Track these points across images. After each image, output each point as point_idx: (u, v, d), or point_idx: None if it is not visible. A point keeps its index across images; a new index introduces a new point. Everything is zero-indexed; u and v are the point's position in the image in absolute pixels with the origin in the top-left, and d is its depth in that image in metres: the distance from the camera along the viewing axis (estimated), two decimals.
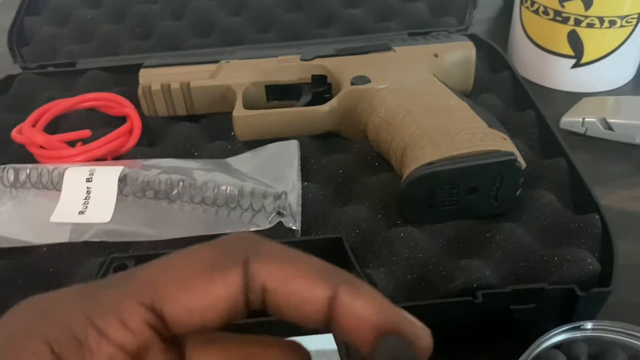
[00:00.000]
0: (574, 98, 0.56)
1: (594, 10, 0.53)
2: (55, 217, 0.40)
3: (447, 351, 0.36)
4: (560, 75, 0.58)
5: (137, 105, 0.50)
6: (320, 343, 0.35)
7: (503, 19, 0.62)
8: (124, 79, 0.55)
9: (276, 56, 0.50)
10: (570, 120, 0.52)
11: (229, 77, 0.49)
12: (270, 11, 0.62)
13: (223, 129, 0.49)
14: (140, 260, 0.37)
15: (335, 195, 0.43)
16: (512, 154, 0.37)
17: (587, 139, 0.52)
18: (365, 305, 0.17)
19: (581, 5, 0.53)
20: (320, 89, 0.49)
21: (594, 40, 0.55)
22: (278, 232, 0.39)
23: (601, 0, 0.52)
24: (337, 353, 0.39)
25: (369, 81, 0.46)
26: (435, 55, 0.49)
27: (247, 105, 0.47)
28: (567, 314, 0.34)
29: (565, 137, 0.52)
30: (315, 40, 0.58)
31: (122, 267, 0.36)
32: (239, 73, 0.49)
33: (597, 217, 0.38)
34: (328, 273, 0.18)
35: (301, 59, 0.49)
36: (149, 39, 0.62)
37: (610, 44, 0.55)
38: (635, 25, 0.54)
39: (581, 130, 0.52)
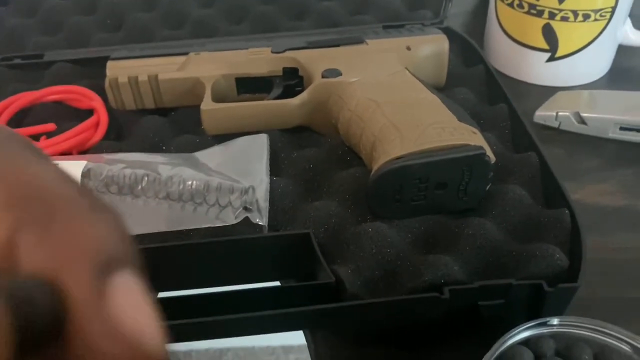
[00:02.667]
0: (548, 92, 0.56)
1: (567, 4, 0.53)
2: None
3: (415, 347, 0.36)
4: (535, 69, 0.57)
5: (105, 99, 0.49)
6: (289, 339, 0.35)
7: (480, 13, 0.62)
8: (93, 72, 0.53)
9: (247, 48, 0.49)
10: (544, 114, 0.52)
11: (198, 69, 0.48)
12: (244, 3, 0.61)
13: (192, 122, 0.48)
14: None
15: (305, 190, 0.42)
16: (481, 148, 0.37)
17: (561, 133, 0.52)
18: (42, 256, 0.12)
19: None
20: (292, 82, 0.48)
21: (568, 34, 0.55)
22: (245, 228, 0.38)
23: None
24: (307, 348, 0.39)
25: (340, 74, 0.45)
26: (408, 49, 0.48)
27: (218, 99, 0.46)
28: (535, 310, 0.34)
29: (539, 131, 0.52)
30: (288, 32, 0.57)
31: None
32: (208, 65, 0.48)
33: (566, 211, 0.38)
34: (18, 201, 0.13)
35: (272, 52, 0.48)
36: (119, 30, 0.60)
37: (585, 38, 0.55)
38: (609, 19, 0.54)
39: (555, 124, 0.52)
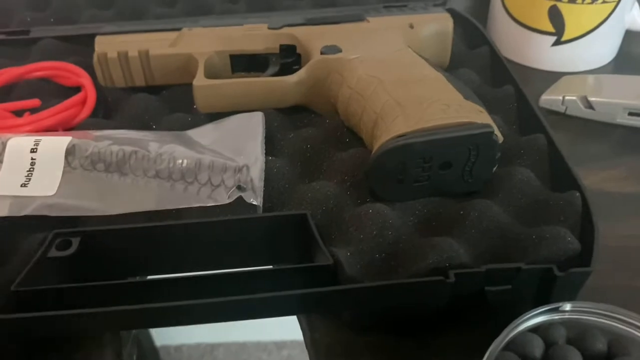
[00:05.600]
0: (553, 77, 0.54)
1: None
2: None
3: (416, 334, 0.34)
4: (541, 53, 0.56)
5: (94, 76, 0.47)
6: (282, 334, 0.33)
7: None
8: (81, 49, 0.51)
9: (242, 25, 0.47)
10: (550, 98, 0.50)
11: (191, 45, 0.45)
12: None
13: (184, 100, 0.46)
14: (87, 236, 0.34)
15: (302, 171, 0.40)
16: (488, 126, 0.35)
17: (567, 119, 0.50)
18: None
19: None
20: (289, 59, 0.46)
21: (575, 17, 0.53)
22: (238, 208, 0.36)
23: None
24: (300, 344, 0.37)
25: (340, 51, 0.43)
26: (411, 27, 0.46)
27: (211, 76, 0.44)
28: (544, 296, 0.32)
29: (545, 116, 0.50)
30: (286, 11, 0.55)
31: (66, 244, 0.33)
32: (202, 41, 0.46)
33: (577, 194, 0.36)
34: None
35: (268, 28, 0.46)
36: (109, 8, 0.58)
37: (592, 21, 0.53)
38: (618, 2, 0.52)
39: (561, 109, 0.50)
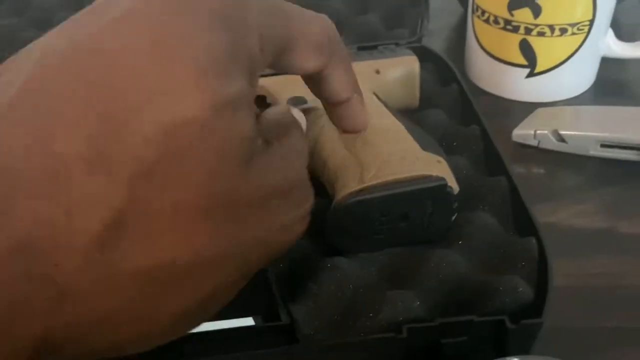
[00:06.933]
0: (531, 108, 0.54)
1: (543, 19, 0.51)
2: None
3: None
4: (516, 85, 0.56)
5: None
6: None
7: (462, 29, 0.61)
8: None
9: None
10: (522, 132, 0.51)
11: None
12: None
13: None
14: None
15: None
16: (442, 179, 0.36)
17: (541, 152, 0.50)
18: None
19: (530, 13, 0.51)
20: (261, 110, 0.47)
21: (546, 49, 0.53)
22: None
23: (550, 8, 0.51)
24: None
25: (306, 102, 0.44)
26: (377, 72, 0.47)
27: None
28: (501, 347, 0.33)
29: (518, 150, 0.51)
30: None
31: None
32: None
33: (533, 241, 0.36)
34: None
35: None
36: None
37: (563, 53, 0.53)
38: (588, 32, 0.52)
39: (534, 142, 0.50)
